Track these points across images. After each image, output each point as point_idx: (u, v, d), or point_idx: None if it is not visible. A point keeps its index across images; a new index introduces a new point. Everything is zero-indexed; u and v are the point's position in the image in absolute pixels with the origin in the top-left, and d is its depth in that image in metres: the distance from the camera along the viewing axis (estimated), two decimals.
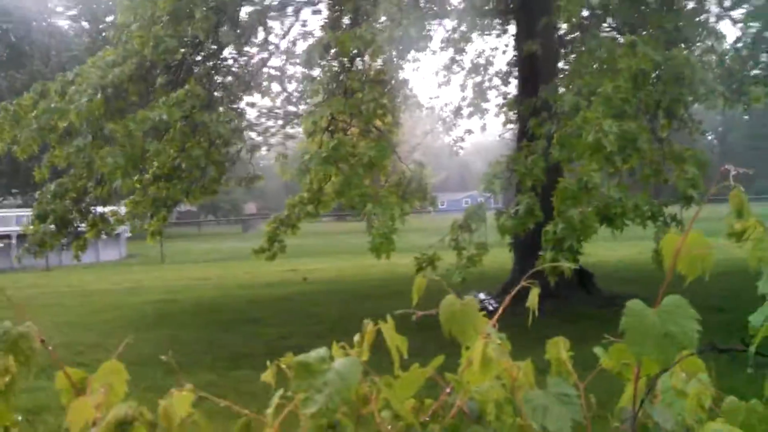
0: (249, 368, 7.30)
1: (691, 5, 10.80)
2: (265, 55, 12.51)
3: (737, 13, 11.70)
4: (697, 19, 10.39)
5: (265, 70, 12.77)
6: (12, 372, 0.92)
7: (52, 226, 9.96)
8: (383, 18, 8.64)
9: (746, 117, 58.44)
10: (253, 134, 13.54)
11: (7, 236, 27.92)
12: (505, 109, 13.74)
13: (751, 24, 11.57)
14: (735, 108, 10.69)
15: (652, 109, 7.77)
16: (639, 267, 16.96)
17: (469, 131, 14.91)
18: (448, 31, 13.54)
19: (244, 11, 11.04)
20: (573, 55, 12.39)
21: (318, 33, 12.00)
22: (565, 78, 9.57)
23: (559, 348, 1.50)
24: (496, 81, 15.37)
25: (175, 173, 10.79)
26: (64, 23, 48.34)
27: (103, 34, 37.11)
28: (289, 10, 12.50)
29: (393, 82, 11.67)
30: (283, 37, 12.57)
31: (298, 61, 12.62)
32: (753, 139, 66.39)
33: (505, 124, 14.29)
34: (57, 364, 1.08)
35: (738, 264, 2.15)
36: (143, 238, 13.44)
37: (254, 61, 12.68)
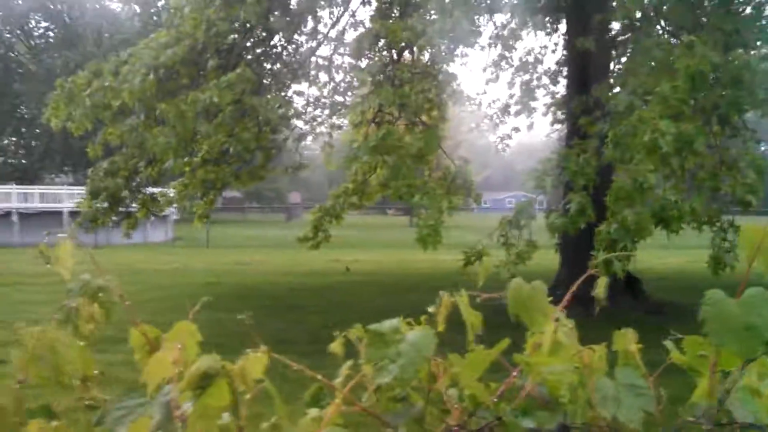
0: (293, 354, 7.33)
1: (749, 10, 10.49)
2: (313, 44, 12.55)
3: None
4: (757, 23, 10.08)
5: (313, 59, 12.81)
6: (97, 320, 0.93)
7: (104, 203, 10.18)
8: (433, 10, 8.59)
9: None
10: (299, 123, 13.60)
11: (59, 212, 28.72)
12: (553, 108, 13.56)
13: None
14: None
15: (708, 112, 7.56)
16: (686, 275, 16.61)
17: (516, 129, 14.74)
18: (497, 28, 13.42)
19: None
20: (624, 57, 12.16)
21: (367, 24, 11.98)
22: (618, 77, 9.38)
23: (627, 340, 1.46)
24: (545, 80, 15.21)
25: (223, 157, 10.92)
26: (116, 6, 49.40)
27: (154, 18, 37.79)
28: None
29: (441, 75, 11.60)
30: (332, 26, 12.60)
31: (346, 50, 12.63)
32: None
33: (552, 123, 14.12)
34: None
35: None
36: (189, 221, 13.65)
37: (303, 49, 12.74)
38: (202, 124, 9.27)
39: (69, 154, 43.62)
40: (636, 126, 5.93)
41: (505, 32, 12.99)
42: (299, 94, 13.48)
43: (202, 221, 12.27)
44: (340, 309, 11.22)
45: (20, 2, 44.59)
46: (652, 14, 9.83)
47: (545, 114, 14.52)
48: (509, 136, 14.77)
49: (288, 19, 10.58)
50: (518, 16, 10.89)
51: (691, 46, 6.67)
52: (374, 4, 12.47)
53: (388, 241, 29.21)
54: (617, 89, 8.64)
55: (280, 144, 12.66)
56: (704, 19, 8.93)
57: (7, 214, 28.98)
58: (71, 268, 1.03)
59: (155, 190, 11.88)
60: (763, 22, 10.42)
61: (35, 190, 31.49)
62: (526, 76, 14.65)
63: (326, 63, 12.93)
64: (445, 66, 10.55)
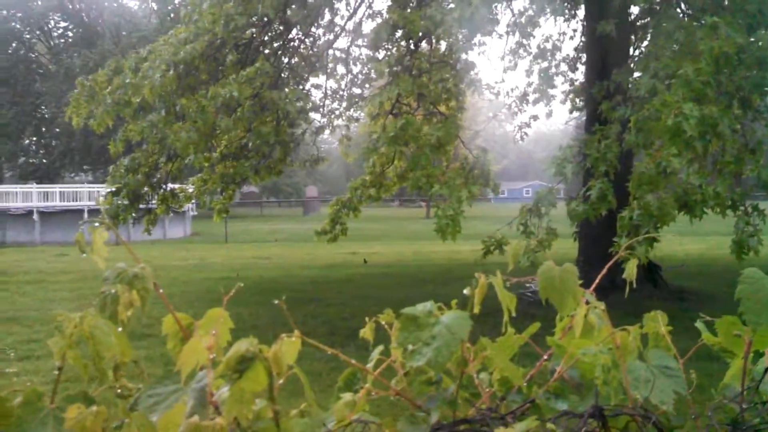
0: (312, 347, 7.37)
1: None
2: (331, 36, 12.56)
3: None
4: None
5: (330, 51, 12.81)
6: (136, 305, 0.93)
7: (125, 200, 10.27)
8: None
9: None
10: (317, 116, 13.63)
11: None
12: (571, 95, 13.44)
13: None
14: None
15: (732, 94, 7.45)
16: (706, 262, 16.47)
17: (535, 117, 14.62)
18: (514, 15, 13.32)
19: None
20: (644, 41, 12.03)
21: (384, 15, 11.94)
22: (639, 62, 9.27)
23: (657, 322, 1.45)
24: (563, 67, 15.08)
25: (242, 152, 10.97)
26: (133, 4, 49.75)
27: (171, 15, 37.98)
28: None
29: (459, 65, 11.54)
30: (350, 18, 12.59)
31: (363, 42, 12.62)
32: None
33: (571, 111, 14.00)
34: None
35: None
36: (207, 217, 13.76)
37: (320, 42, 12.74)
38: (222, 119, 9.32)
39: (88, 153, 44.09)
40: (659, 110, 5.86)
41: (523, 19, 12.90)
42: (317, 87, 13.52)
43: (221, 216, 12.35)
44: (358, 301, 11.26)
45: (39, 3, 45.05)
46: None
47: (564, 101, 14.41)
48: (528, 125, 14.66)
49: (305, 11, 10.57)
50: (536, 3, 10.80)
51: (715, 28, 6.57)
52: None
53: (405, 232, 29.22)
54: (638, 74, 8.54)
55: (298, 138, 12.69)
56: (725, 2, 8.80)
57: (29, 213, 29.39)
58: (106, 257, 1.04)
59: (174, 186, 11.96)
60: None
61: (56, 188, 31.86)
62: (545, 64, 14.53)
63: (343, 55, 12.93)
64: (463, 55, 10.50)
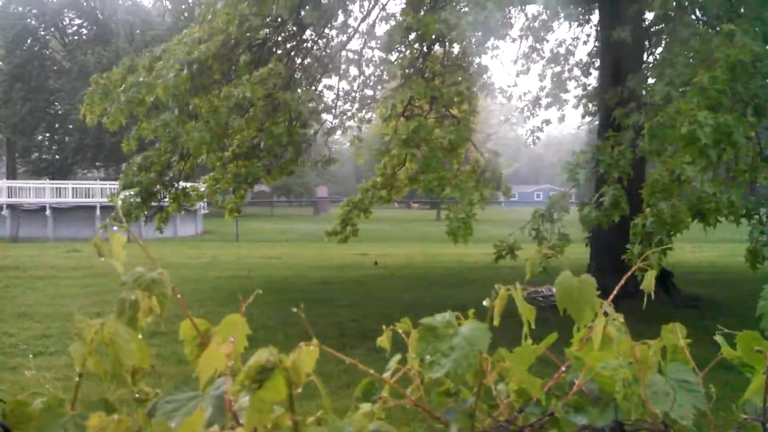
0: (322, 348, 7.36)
1: None
2: (344, 38, 12.56)
3: None
4: None
5: (343, 53, 12.83)
6: (156, 312, 0.93)
7: (138, 198, 10.31)
8: (464, 2, 8.52)
9: None
10: (329, 117, 13.65)
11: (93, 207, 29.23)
12: (584, 100, 13.41)
13: None
14: None
15: (747, 103, 7.40)
16: (719, 269, 16.38)
17: (547, 121, 14.61)
18: (528, 19, 13.31)
19: None
20: (658, 48, 11.97)
21: (398, 17, 11.95)
22: (653, 68, 9.23)
23: (675, 334, 1.43)
24: (576, 71, 15.07)
25: (254, 152, 10.99)
26: (148, 2, 50.00)
27: (185, 14, 38.16)
28: None
29: (472, 68, 11.54)
30: (363, 20, 12.59)
31: (376, 44, 12.63)
32: None
33: (584, 116, 13.97)
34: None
35: None
36: (218, 216, 13.80)
37: (333, 43, 12.75)
38: (235, 119, 9.34)
39: (101, 150, 44.34)
40: (673, 117, 5.82)
41: (537, 24, 12.88)
42: (329, 88, 13.52)
43: (233, 215, 12.38)
44: (367, 303, 11.25)
45: (54, 0, 45.35)
46: (686, 3, 9.65)
47: (576, 106, 14.37)
48: (540, 129, 14.65)
49: (319, 13, 10.58)
50: (550, 7, 10.77)
51: (731, 35, 6.52)
52: None
53: (415, 234, 29.19)
54: (652, 80, 8.50)
55: (310, 138, 12.71)
56: (741, 10, 8.75)
57: (42, 208, 29.63)
58: (124, 261, 1.03)
59: (186, 184, 12.00)
60: None
61: (68, 185, 32.07)
62: (558, 68, 14.53)
63: (356, 57, 12.94)
64: (476, 58, 10.48)
